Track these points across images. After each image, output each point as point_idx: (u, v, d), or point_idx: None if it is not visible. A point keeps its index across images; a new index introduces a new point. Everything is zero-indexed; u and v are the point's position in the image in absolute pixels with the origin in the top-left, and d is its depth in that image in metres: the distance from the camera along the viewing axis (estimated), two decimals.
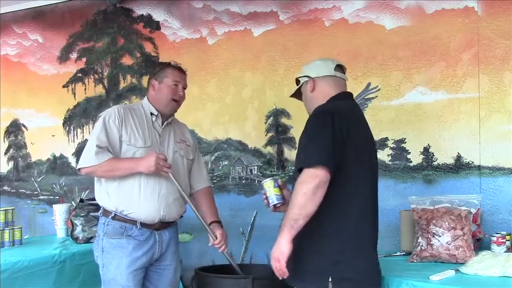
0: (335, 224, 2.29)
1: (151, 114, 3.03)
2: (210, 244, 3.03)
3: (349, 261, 2.28)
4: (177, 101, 3.05)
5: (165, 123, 3.06)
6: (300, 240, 2.26)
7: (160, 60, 4.37)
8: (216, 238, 3.00)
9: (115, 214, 2.90)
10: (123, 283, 2.87)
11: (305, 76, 2.55)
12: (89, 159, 2.87)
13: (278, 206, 2.52)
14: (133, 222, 2.90)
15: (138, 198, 2.89)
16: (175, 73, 3.04)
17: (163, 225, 2.98)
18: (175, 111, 3.11)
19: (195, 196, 3.13)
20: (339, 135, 2.24)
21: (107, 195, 2.93)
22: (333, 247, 2.29)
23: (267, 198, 2.53)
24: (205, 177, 3.24)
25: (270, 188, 2.52)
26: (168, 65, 3.09)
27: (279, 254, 2.25)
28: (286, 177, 3.83)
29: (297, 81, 2.64)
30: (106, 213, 2.94)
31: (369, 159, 2.44)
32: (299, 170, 2.24)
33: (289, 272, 2.33)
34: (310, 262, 2.32)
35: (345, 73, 2.59)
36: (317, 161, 2.19)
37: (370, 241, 2.39)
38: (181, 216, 3.11)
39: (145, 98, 3.10)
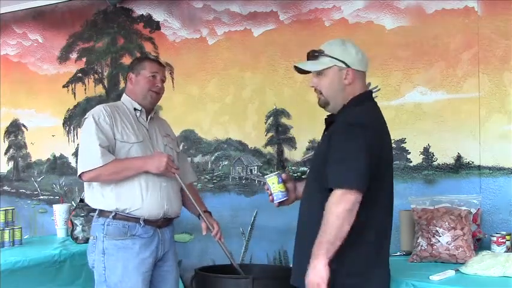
0: (353, 236, 2.18)
1: (135, 109, 2.98)
2: (204, 233, 3.04)
3: (364, 278, 2.23)
4: (156, 93, 2.99)
5: (149, 118, 3.02)
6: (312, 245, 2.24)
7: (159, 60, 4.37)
8: (213, 228, 3.02)
9: (115, 213, 2.82)
10: (133, 285, 2.80)
11: (340, 61, 2.30)
12: (93, 161, 2.75)
13: (283, 201, 2.51)
14: (136, 220, 2.82)
15: (141, 194, 2.83)
16: (153, 65, 3.01)
17: (165, 222, 2.94)
18: (155, 103, 3.05)
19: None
20: (372, 154, 2.15)
21: (101, 196, 2.85)
22: (349, 259, 2.20)
23: (271, 194, 2.48)
24: (190, 171, 3.25)
25: (274, 185, 2.47)
26: (145, 58, 3.08)
27: (319, 279, 2.11)
28: None
29: (312, 55, 2.36)
30: (104, 213, 2.84)
31: (391, 170, 2.37)
32: (329, 189, 2.16)
33: (297, 272, 2.31)
34: None
35: None
36: (351, 183, 2.11)
37: (385, 258, 2.34)
38: (178, 216, 3.08)
39: (124, 95, 3.04)
